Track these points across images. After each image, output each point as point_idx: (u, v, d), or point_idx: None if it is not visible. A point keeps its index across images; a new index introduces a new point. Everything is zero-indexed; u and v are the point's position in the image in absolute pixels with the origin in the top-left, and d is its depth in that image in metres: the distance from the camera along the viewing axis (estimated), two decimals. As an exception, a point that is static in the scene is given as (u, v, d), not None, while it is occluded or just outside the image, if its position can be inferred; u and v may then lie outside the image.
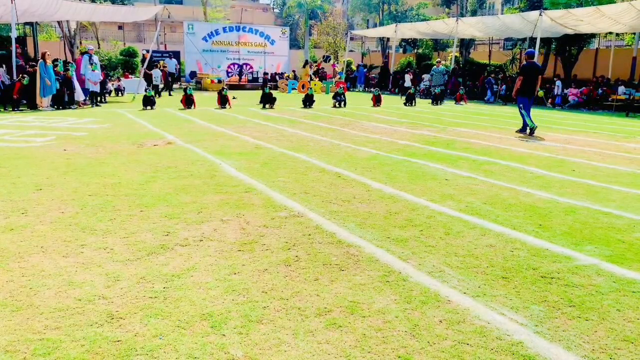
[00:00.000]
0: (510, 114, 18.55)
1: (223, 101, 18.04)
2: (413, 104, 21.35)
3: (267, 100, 18.59)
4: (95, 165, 7.74)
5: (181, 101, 17.83)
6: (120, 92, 22.63)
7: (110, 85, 21.75)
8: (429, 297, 3.56)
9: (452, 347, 2.94)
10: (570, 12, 20.66)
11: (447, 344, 2.97)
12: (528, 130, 12.55)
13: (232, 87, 26.26)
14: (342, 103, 19.99)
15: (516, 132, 12.97)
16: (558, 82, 23.29)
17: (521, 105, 12.82)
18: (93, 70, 17.81)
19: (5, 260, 4.04)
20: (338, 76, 31.98)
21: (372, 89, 27.78)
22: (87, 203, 5.71)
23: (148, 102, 17.09)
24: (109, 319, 3.15)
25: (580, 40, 24.96)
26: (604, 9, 19.44)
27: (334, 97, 20.34)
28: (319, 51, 44.02)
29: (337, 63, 37.36)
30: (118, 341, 2.91)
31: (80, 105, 17.11)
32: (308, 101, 19.40)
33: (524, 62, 13.13)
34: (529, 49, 15.41)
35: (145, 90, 18.92)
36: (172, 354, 2.80)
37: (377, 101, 20.61)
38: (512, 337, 3.05)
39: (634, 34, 23.21)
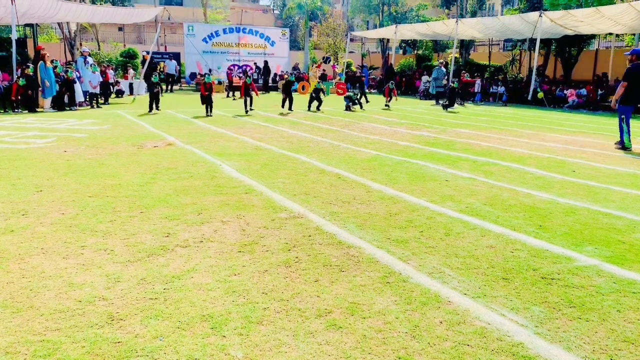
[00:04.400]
0: (510, 115, 18.57)
1: (246, 92, 16.97)
2: (455, 104, 20.03)
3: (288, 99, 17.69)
4: (96, 167, 7.74)
5: (200, 91, 16.53)
6: (120, 94, 22.63)
7: (111, 87, 21.73)
8: (429, 298, 3.56)
9: (452, 348, 2.94)
10: (570, 13, 20.68)
11: (448, 345, 2.97)
12: (625, 144, 10.57)
13: (234, 88, 26.17)
14: (359, 105, 18.93)
15: (615, 145, 10.94)
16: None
17: (623, 116, 10.61)
18: (93, 72, 17.81)
19: (5, 262, 4.04)
20: (338, 77, 31.97)
21: (373, 90, 27.63)
22: (87, 204, 5.71)
23: (154, 97, 16.46)
24: (109, 320, 3.16)
25: (580, 41, 24.98)
26: (604, 9, 19.45)
27: (346, 99, 19.02)
28: (319, 52, 44.04)
29: (337, 64, 37.37)
30: (118, 342, 2.91)
31: (77, 107, 17.06)
32: (316, 98, 18.01)
33: (629, 64, 10.60)
34: (636, 48, 12.15)
35: (152, 78, 17.09)
36: (172, 356, 2.80)
37: (389, 95, 20.03)
38: (513, 338, 3.05)
39: (634, 35, 23.21)
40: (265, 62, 30.06)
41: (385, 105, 20.21)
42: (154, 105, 16.54)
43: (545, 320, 3.28)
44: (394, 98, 20.50)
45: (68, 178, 6.98)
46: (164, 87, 22.74)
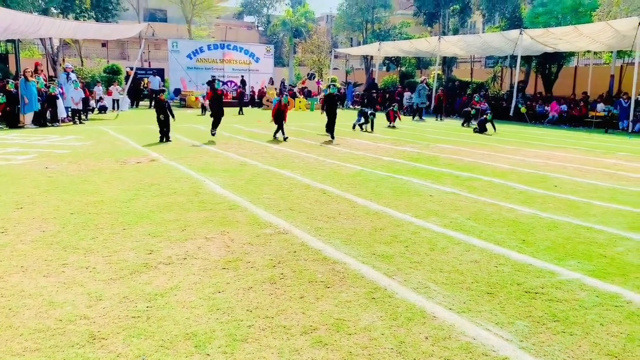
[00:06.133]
0: (492, 130, 18.76)
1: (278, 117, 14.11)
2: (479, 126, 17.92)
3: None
4: (78, 183, 7.65)
5: (204, 97, 14.98)
6: (103, 110, 22.50)
7: (93, 103, 21.59)
8: (414, 313, 3.56)
9: (438, 364, 2.93)
10: (549, 31, 21.12)
11: (433, 361, 2.96)
12: None
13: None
14: (370, 126, 16.97)
15: None
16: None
17: None
18: (75, 88, 17.68)
19: (-17, 281, 3.95)
20: (322, 93, 32.16)
21: (357, 107, 27.68)
22: (68, 221, 5.63)
23: (164, 123, 12.74)
24: (90, 340, 3.10)
25: (560, 58, 25.48)
26: (582, 28, 19.90)
27: (359, 114, 17.39)
28: (304, 69, 44.33)
29: (322, 80, 37.62)
30: (100, 362, 2.86)
31: (59, 123, 16.87)
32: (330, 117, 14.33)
33: None
34: None
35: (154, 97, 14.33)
36: (155, 375, 2.75)
37: (393, 118, 18.92)
38: (498, 353, 3.05)
39: (611, 52, 23.76)
40: (213, 77, 26.84)
41: (388, 127, 18.71)
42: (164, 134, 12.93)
43: (529, 335, 3.30)
44: (397, 120, 19.22)
45: (49, 195, 6.88)
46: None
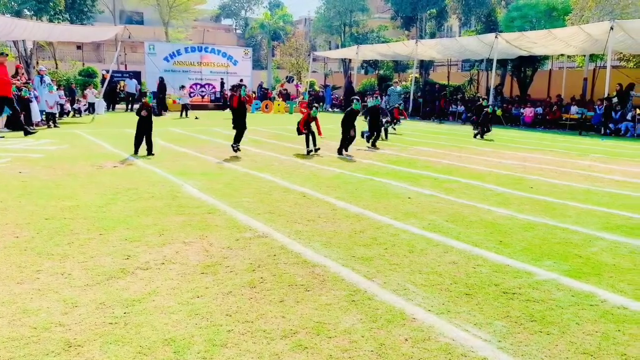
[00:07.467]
0: (469, 133, 18.99)
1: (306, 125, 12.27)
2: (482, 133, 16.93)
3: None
4: (53, 188, 7.51)
5: (232, 106, 13.53)
6: (79, 113, 22.18)
7: (68, 106, 21.27)
8: (394, 315, 3.57)
9: (418, 366, 2.94)
10: (524, 34, 21.49)
11: (413, 363, 2.97)
12: None
13: (195, 107, 26.03)
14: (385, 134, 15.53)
15: None
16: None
17: None
18: (50, 91, 17.38)
19: (-46, 289, 3.85)
20: (301, 96, 32.18)
21: (336, 109, 27.78)
22: (43, 227, 5.52)
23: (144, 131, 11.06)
24: (66, 347, 3.04)
25: (535, 61, 25.93)
26: (556, 32, 20.30)
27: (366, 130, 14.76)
28: (282, 72, 44.32)
29: (300, 83, 37.64)
30: (76, 370, 2.81)
31: (33, 127, 16.56)
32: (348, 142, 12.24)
33: None
34: None
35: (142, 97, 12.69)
36: (133, 382, 2.71)
37: (398, 114, 17.60)
38: (477, 354, 3.08)
39: (584, 56, 24.25)
40: (161, 79, 25.58)
41: (392, 128, 17.46)
42: (146, 146, 11.05)
43: (507, 335, 3.33)
44: (401, 120, 18.21)
45: (23, 200, 6.74)
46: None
